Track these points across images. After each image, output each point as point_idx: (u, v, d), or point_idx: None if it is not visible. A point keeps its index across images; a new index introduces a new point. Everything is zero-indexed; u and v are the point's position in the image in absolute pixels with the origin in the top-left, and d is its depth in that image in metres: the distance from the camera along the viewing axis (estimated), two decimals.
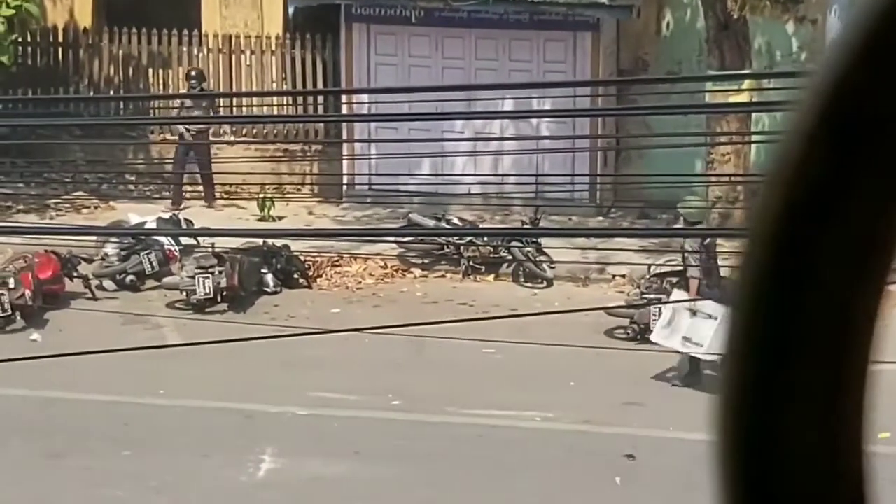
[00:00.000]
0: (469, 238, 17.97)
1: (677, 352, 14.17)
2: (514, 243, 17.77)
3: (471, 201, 19.14)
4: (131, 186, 21.26)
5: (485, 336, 13.90)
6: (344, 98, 20.89)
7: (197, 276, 16.44)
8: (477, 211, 19.31)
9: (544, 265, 17.55)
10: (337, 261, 17.95)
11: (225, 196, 19.83)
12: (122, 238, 17.58)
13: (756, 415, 0.68)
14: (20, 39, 21.48)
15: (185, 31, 21.88)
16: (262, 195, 19.55)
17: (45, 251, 16.54)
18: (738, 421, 0.69)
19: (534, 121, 19.33)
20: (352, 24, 20.61)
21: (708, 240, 14.66)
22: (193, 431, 13.00)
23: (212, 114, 19.52)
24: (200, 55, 21.91)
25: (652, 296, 15.77)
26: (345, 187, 20.52)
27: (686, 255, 14.41)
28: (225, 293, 16.52)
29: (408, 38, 20.57)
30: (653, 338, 14.29)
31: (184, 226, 17.77)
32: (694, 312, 14.11)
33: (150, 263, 17.43)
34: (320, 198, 20.57)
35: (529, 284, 17.61)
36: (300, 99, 21.38)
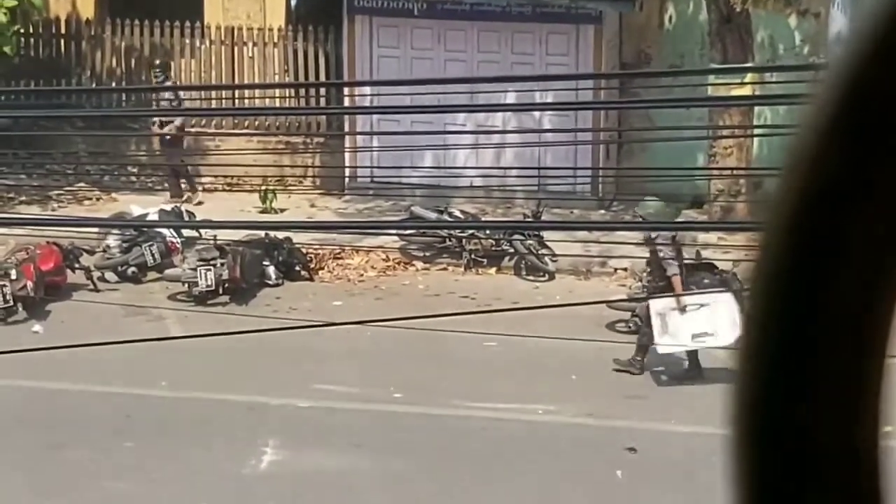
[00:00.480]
0: (471, 231, 17.96)
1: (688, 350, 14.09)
2: (516, 236, 17.77)
3: (473, 194, 19.14)
4: (133, 178, 21.26)
5: (486, 329, 13.91)
6: (346, 90, 20.87)
7: (199, 268, 16.45)
8: (479, 204, 19.30)
9: (546, 258, 17.55)
10: (339, 253, 17.96)
11: (226, 188, 19.81)
12: (124, 230, 17.59)
13: (774, 408, 0.68)
14: (22, 30, 21.48)
15: (188, 23, 21.87)
16: (264, 187, 19.55)
17: (48, 243, 16.55)
18: (755, 414, 0.68)
19: (536, 114, 19.32)
20: (354, 17, 20.60)
21: (676, 235, 14.61)
22: (195, 423, 13.01)
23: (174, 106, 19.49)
24: (203, 47, 21.91)
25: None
26: (347, 180, 20.53)
27: (662, 254, 14.27)
28: (227, 285, 16.53)
29: (410, 31, 20.56)
30: (660, 350, 14.19)
31: (186, 218, 17.77)
32: (684, 308, 14.09)
33: (152, 255, 17.43)
34: (322, 190, 20.57)
35: (531, 277, 17.61)
36: (302, 91, 21.38)
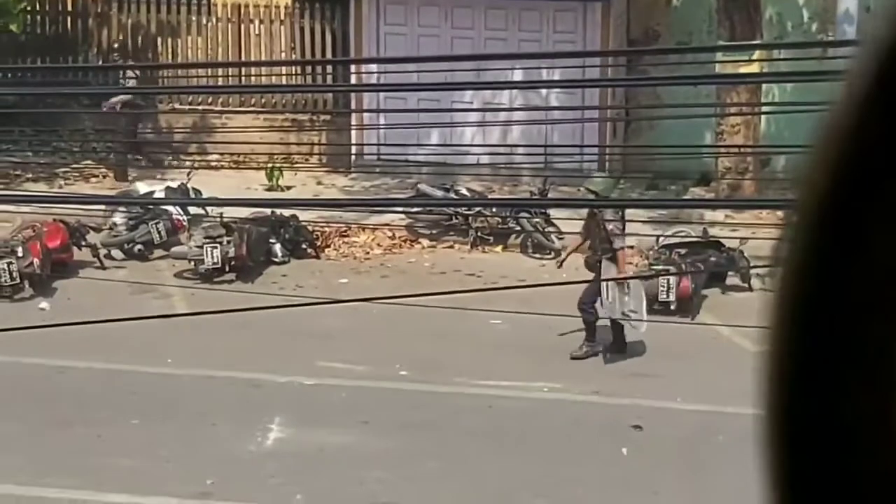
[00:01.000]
0: (477, 209, 17.94)
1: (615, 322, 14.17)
2: (522, 214, 17.75)
3: (479, 172, 19.12)
4: (139, 156, 21.24)
5: (492, 307, 13.90)
6: (353, 68, 20.83)
7: (205, 246, 16.44)
8: (485, 181, 19.27)
9: (552, 236, 17.53)
10: (345, 231, 17.95)
11: (232, 166, 19.78)
12: (130, 207, 17.58)
13: (807, 388, 0.66)
14: (29, 8, 21.45)
15: (195, 1, 21.83)
16: (270, 165, 19.53)
17: (54, 220, 16.55)
18: (787, 395, 0.66)
19: (543, 91, 19.28)
20: None
21: (622, 212, 14.66)
22: (201, 400, 13.02)
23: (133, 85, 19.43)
24: (209, 24, 21.87)
25: (660, 267, 15.75)
26: (353, 157, 20.50)
27: (610, 227, 14.31)
28: (233, 263, 16.52)
29: (417, 8, 20.51)
30: (603, 313, 14.23)
31: (192, 195, 17.75)
32: (626, 286, 14.14)
33: (159, 233, 17.43)
34: (329, 168, 20.56)
35: (537, 255, 17.60)
36: (309, 69, 21.34)
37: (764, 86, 18.21)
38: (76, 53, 22.03)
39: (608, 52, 19.44)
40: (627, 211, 17.33)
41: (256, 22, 21.72)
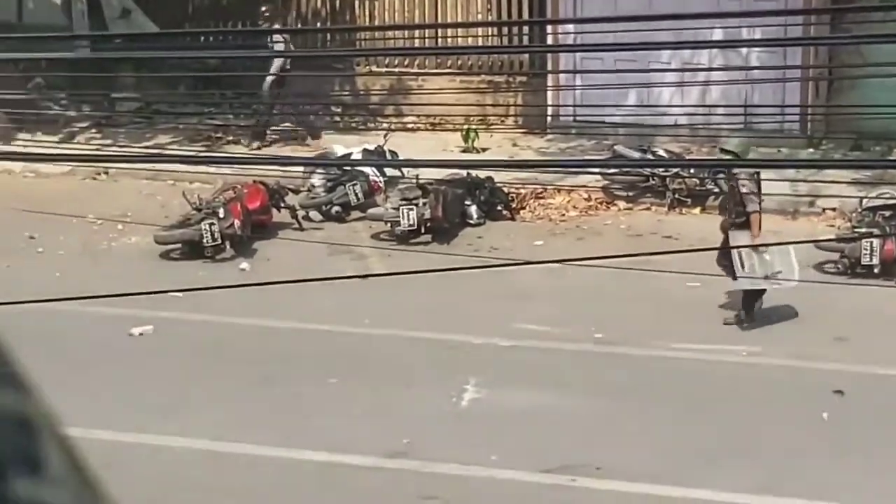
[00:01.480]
0: (675, 170, 17.71)
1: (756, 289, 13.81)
2: (720, 175, 17.47)
3: (677, 132, 18.87)
4: (337, 118, 21.45)
5: (690, 269, 13.71)
6: (549, 28, 20.71)
7: (401, 208, 16.53)
8: (683, 142, 19.03)
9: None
10: (540, 193, 17.88)
11: (429, 128, 19.85)
12: (328, 169, 17.76)
13: None
14: None
15: None
16: (466, 127, 19.55)
17: (254, 182, 16.80)
18: None
19: (743, 50, 18.93)
20: None
21: (758, 174, 14.14)
22: (397, 361, 13.10)
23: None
24: None
25: (864, 230, 15.37)
26: (549, 118, 20.41)
27: (744, 189, 13.89)
28: (428, 224, 16.59)
29: None
30: (735, 286, 13.84)
31: (388, 157, 17.86)
32: (759, 248, 13.75)
33: (356, 194, 17.58)
34: (524, 129, 20.50)
35: None
36: (505, 30, 21.28)
37: None
38: (276, 17, 22.29)
39: (811, 10, 19.00)
40: (827, 172, 16.96)
41: None
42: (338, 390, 12.46)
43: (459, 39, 20.07)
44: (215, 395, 12.34)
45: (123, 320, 13.62)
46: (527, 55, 22.04)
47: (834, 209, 16.99)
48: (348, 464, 11.07)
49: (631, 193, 18.09)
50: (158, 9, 22.30)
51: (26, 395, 0.89)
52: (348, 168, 17.74)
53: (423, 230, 16.59)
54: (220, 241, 16.06)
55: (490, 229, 17.17)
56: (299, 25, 22.19)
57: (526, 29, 21.86)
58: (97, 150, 19.19)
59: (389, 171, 17.95)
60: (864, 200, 16.05)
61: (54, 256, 16.21)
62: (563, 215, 17.64)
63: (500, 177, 17.38)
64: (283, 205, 17.14)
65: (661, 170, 17.75)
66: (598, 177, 18.12)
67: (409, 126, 20.23)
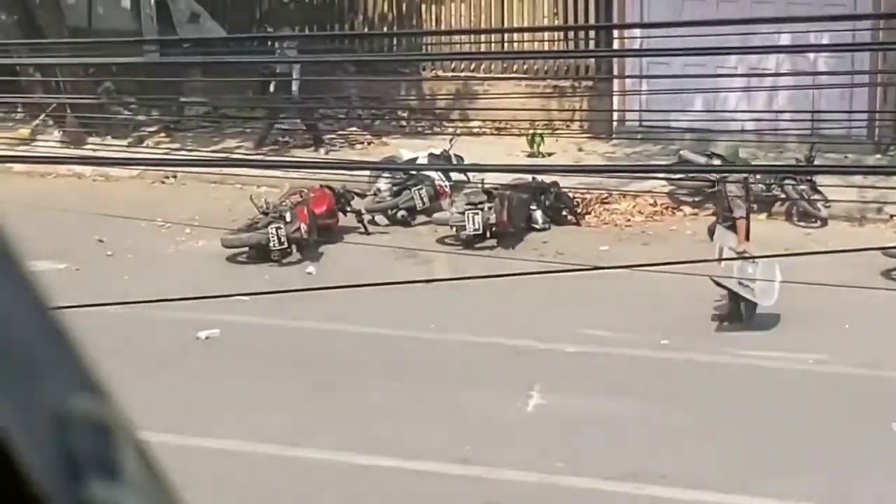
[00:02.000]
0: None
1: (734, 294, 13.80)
2: (787, 181, 17.39)
3: (744, 138, 18.77)
4: (403, 122, 21.50)
5: None
6: (615, 33, 20.67)
7: (467, 212, 16.55)
8: (750, 148, 18.93)
9: (819, 204, 17.14)
10: (606, 198, 17.85)
11: (494, 132, 19.87)
12: (394, 173, 17.80)
13: None
14: None
15: None
16: (531, 131, 19.54)
17: (321, 186, 16.87)
18: None
19: (811, 55, 18.81)
20: None
21: (747, 179, 14.21)
22: (462, 366, 13.12)
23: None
24: None
25: None
26: (615, 123, 20.37)
27: (730, 197, 13.97)
28: (494, 229, 16.59)
29: None
30: (716, 278, 13.88)
31: (454, 161, 17.88)
32: (741, 253, 13.74)
33: (421, 199, 17.61)
34: (590, 134, 20.47)
35: (803, 223, 17.23)
36: (571, 34, 21.26)
37: None
38: (342, 21, 22.38)
39: (880, 16, 18.85)
40: (895, 178, 16.82)
41: None
42: (402, 395, 12.49)
43: (526, 44, 20.06)
44: (280, 398, 12.41)
45: (190, 323, 13.71)
46: (593, 60, 22.01)
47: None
48: (412, 469, 11.10)
49: (697, 199, 18.01)
50: (226, 13, 22.45)
51: (102, 399, 0.90)
52: (414, 172, 17.78)
53: (488, 235, 16.59)
54: (286, 245, 16.14)
55: (555, 234, 17.16)
56: (366, 30, 22.26)
57: (592, 34, 21.81)
58: (166, 154, 19.37)
59: (455, 176, 17.98)
60: None
61: (123, 259, 16.36)
62: (629, 220, 17.60)
63: (565, 181, 17.35)
64: (349, 209, 17.20)
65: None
66: (664, 182, 18.05)
67: (475, 130, 20.25)
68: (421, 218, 17.61)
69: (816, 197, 17.14)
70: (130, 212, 17.19)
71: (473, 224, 16.49)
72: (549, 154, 19.56)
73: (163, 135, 21.05)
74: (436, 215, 17.39)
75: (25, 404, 0.86)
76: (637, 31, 19.45)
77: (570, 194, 17.55)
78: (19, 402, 0.85)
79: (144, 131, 21.15)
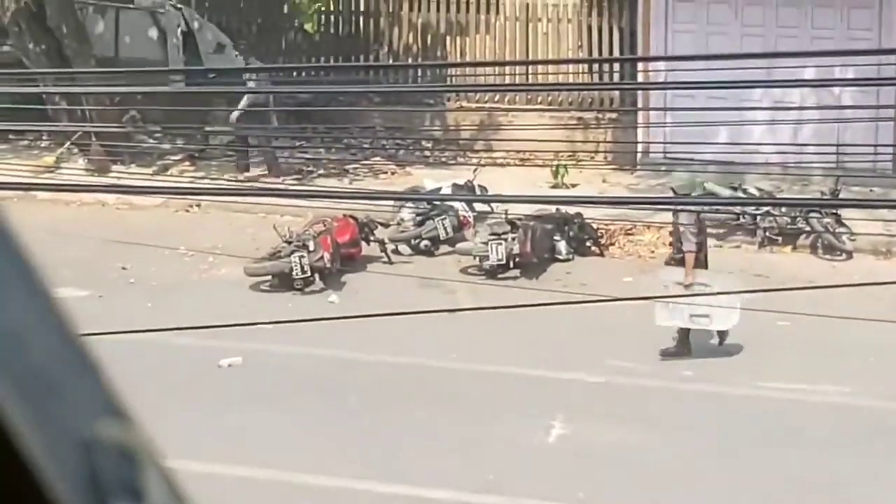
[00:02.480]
0: (766, 208, 17.59)
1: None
2: (812, 214, 17.34)
3: (768, 170, 18.75)
4: (427, 153, 21.53)
5: (781, 308, 13.60)
6: (640, 66, 20.68)
7: (490, 243, 16.54)
8: (774, 181, 18.90)
9: (844, 237, 17.08)
10: (630, 229, 17.82)
11: (518, 163, 19.87)
12: (417, 203, 17.80)
13: None
14: (323, 8, 21.93)
15: (483, 0, 22.01)
16: (556, 162, 19.54)
17: (344, 215, 16.88)
18: None
19: (836, 89, 18.79)
20: None
21: (702, 214, 14.19)
22: (484, 396, 13.09)
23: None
24: (497, 23, 22.03)
25: None
26: (639, 155, 20.36)
27: (682, 230, 13.98)
28: (517, 259, 16.57)
29: (707, 5, 20.25)
30: (658, 322, 13.78)
31: (478, 192, 17.89)
32: (690, 286, 13.69)
33: (445, 229, 17.61)
34: (614, 165, 20.46)
35: (828, 257, 17.18)
36: (595, 66, 21.28)
37: None
38: (368, 52, 22.45)
39: None
40: None
41: (544, 20, 21.78)
42: (424, 424, 12.46)
43: (550, 76, 20.08)
44: (302, 427, 12.39)
45: (213, 351, 13.72)
46: (617, 92, 22.02)
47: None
48: (434, 498, 11.07)
49: (721, 231, 17.98)
50: (252, 44, 22.54)
51: (126, 424, 0.90)
52: (438, 202, 17.78)
53: (511, 265, 16.57)
54: (309, 274, 16.14)
55: (579, 265, 17.13)
56: (391, 61, 22.32)
57: (616, 66, 21.83)
58: (190, 182, 19.41)
59: (479, 206, 17.97)
60: None
61: (146, 287, 16.38)
62: (653, 252, 17.57)
63: (589, 213, 17.34)
64: (372, 238, 17.20)
65: (751, 208, 17.63)
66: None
67: (499, 161, 20.25)
68: (444, 248, 17.60)
69: (842, 230, 17.09)
70: (154, 240, 17.23)
71: (497, 254, 16.48)
72: (573, 185, 19.55)
73: (187, 163, 21.10)
74: (459, 245, 17.38)
75: (51, 428, 0.87)
76: (661, 64, 19.47)
77: (594, 225, 17.53)
78: (45, 425, 0.86)
79: (169, 160, 21.21)
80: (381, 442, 12.10)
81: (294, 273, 16.08)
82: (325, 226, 16.72)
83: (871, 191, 18.60)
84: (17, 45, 21.31)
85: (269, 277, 16.33)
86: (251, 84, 19.02)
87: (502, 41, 21.98)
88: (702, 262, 14.17)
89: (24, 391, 0.86)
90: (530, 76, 20.82)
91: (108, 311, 14.76)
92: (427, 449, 11.95)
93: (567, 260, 17.19)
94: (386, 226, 17.49)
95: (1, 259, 0.90)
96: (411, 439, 12.13)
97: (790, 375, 13.36)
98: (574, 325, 14.30)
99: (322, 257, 16.19)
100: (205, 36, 21.10)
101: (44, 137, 22.19)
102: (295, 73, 22.39)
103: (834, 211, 17.21)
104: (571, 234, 17.37)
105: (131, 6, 21.27)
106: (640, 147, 20.28)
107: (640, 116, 20.68)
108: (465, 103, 21.65)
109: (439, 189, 17.96)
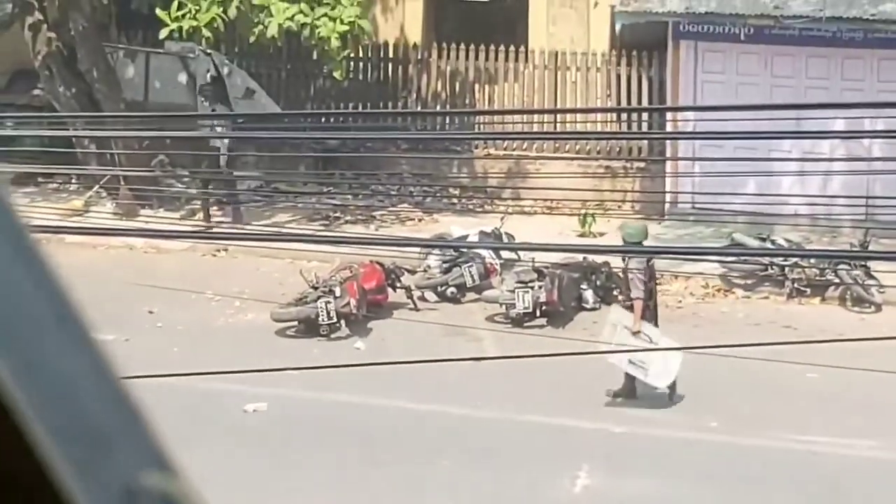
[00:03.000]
0: (795, 259, 17.52)
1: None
2: (841, 266, 17.26)
3: (797, 222, 18.68)
4: (455, 200, 21.54)
5: (809, 360, 13.52)
6: (669, 115, 20.69)
7: (517, 290, 16.50)
8: (803, 232, 18.84)
9: (873, 289, 17.00)
10: (657, 279, 17.75)
11: (545, 211, 19.86)
12: (444, 251, 17.79)
13: None
14: (352, 55, 22.01)
15: (512, 48, 22.07)
16: (583, 211, 19.52)
17: (371, 261, 16.86)
18: None
19: (865, 141, 18.75)
20: (679, 42, 20.42)
21: (652, 261, 14.22)
22: (509, 444, 13.01)
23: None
24: (526, 71, 22.08)
25: None
26: (667, 205, 20.33)
27: (630, 277, 13.97)
28: (544, 308, 16.52)
29: (736, 56, 20.27)
30: (609, 359, 13.81)
31: (505, 240, 17.87)
32: (636, 333, 13.67)
33: (472, 276, 17.58)
34: (642, 215, 20.42)
35: (857, 309, 17.09)
36: (624, 115, 21.29)
37: None
38: (396, 99, 22.50)
39: None
40: None
41: (573, 69, 21.82)
42: (449, 473, 12.40)
43: (578, 125, 20.09)
44: (327, 473, 12.34)
45: (238, 396, 13.68)
46: (646, 141, 22.02)
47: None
48: None
49: (749, 282, 17.91)
50: (281, 90, 22.61)
51: (170, 473, 0.90)
52: (465, 250, 17.76)
53: (538, 314, 16.52)
54: (335, 320, 16.11)
55: (606, 314, 17.05)
56: (419, 108, 22.37)
57: (645, 115, 21.84)
58: (217, 227, 19.44)
59: (505, 254, 17.95)
60: None
61: (173, 331, 16.37)
62: (680, 302, 17.51)
63: (616, 262, 17.29)
64: (398, 285, 17.18)
65: (780, 259, 17.57)
66: (716, 264, 17.97)
67: (526, 209, 20.24)
68: (471, 295, 17.56)
69: (871, 282, 17.01)
70: (181, 284, 17.24)
71: (523, 302, 16.43)
72: (601, 234, 19.52)
73: (215, 208, 21.14)
74: (485, 293, 17.35)
75: (96, 477, 0.86)
76: (690, 114, 19.46)
77: (621, 274, 17.47)
78: (91, 474, 0.86)
79: (196, 204, 21.25)
80: (406, 489, 12.03)
81: (320, 319, 16.06)
82: (351, 272, 16.70)
83: None
84: (47, 89, 21.43)
85: (296, 323, 16.31)
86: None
87: (531, 89, 22.02)
88: (651, 311, 14.18)
89: (73, 438, 0.85)
90: (558, 124, 20.83)
91: (135, 355, 14.75)
92: (452, 496, 11.88)
93: (594, 309, 17.13)
94: (412, 272, 17.47)
95: (51, 305, 0.89)
96: (436, 486, 12.06)
97: (821, 429, 13.25)
98: (600, 374, 14.23)
99: (348, 303, 16.16)
100: (234, 81, 21.17)
101: (73, 181, 22.29)
102: (323, 120, 22.43)
103: (863, 263, 17.14)
104: (598, 282, 17.32)
105: (161, 51, 21.37)
106: (668, 197, 20.26)
107: (669, 166, 20.67)
108: (492, 151, 21.67)
109: (466, 236, 17.94)
